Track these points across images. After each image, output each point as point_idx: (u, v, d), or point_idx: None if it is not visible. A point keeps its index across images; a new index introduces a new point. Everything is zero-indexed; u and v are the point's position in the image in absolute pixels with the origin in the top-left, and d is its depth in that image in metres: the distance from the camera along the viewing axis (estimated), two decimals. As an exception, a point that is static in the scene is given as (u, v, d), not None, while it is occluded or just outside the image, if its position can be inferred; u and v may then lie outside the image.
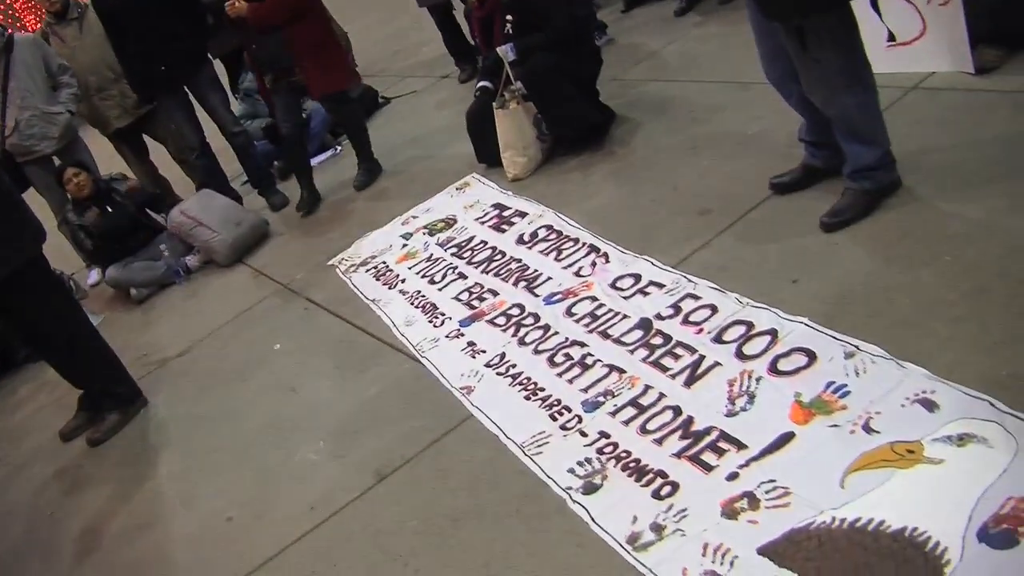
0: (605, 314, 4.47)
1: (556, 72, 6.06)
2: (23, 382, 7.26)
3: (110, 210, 7.67)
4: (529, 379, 4.28)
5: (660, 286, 4.47)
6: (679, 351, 3.95)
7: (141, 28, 7.64)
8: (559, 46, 6.16)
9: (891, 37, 5.00)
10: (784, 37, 4.10)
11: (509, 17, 6.31)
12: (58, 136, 7.98)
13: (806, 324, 3.70)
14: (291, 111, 7.50)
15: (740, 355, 3.74)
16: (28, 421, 6.63)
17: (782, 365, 3.57)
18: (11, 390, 7.34)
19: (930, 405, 3.06)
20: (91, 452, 5.75)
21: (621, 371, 4.02)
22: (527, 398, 4.16)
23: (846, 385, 3.31)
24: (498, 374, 4.44)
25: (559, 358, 4.31)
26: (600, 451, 3.63)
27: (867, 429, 3.09)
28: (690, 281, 4.37)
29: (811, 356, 3.54)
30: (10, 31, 8.02)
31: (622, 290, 4.59)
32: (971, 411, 2.97)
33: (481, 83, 6.57)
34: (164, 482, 5.07)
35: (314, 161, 8.22)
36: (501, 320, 4.87)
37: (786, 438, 3.23)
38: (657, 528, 3.15)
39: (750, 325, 3.88)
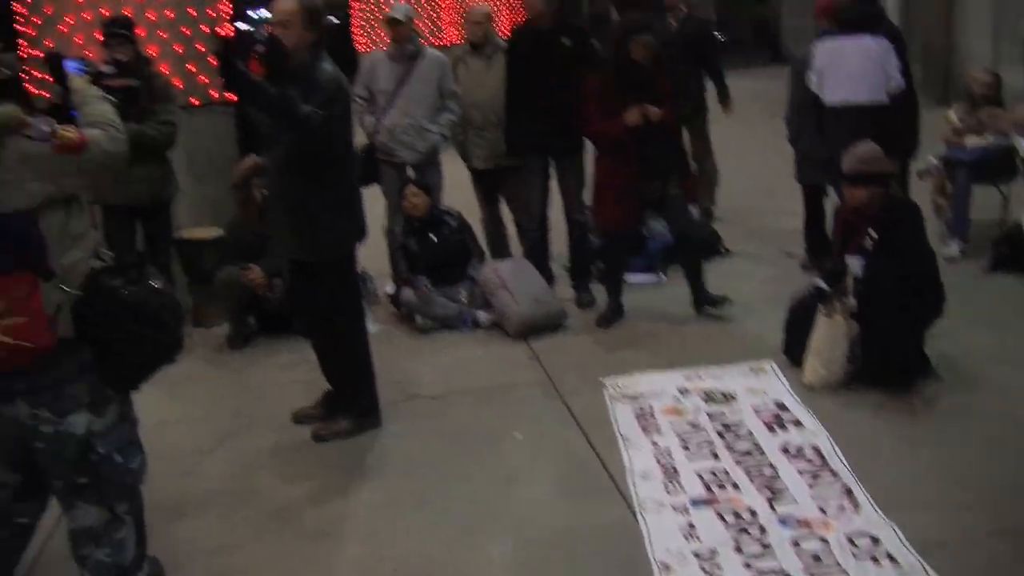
0: (829, 564, 4.28)
1: (894, 307, 5.91)
2: (289, 350, 7.54)
3: (435, 239, 7.96)
4: (727, 590, 4.16)
5: (894, 562, 4.24)
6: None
7: (540, 87, 7.94)
8: (907, 277, 6.01)
9: None
10: None
11: (873, 233, 6.19)
12: (422, 152, 8.35)
13: None
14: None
15: None
16: (276, 388, 6.94)
17: None
18: (276, 351, 7.70)
19: None
20: (310, 444, 5.99)
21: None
22: (715, 609, 4.04)
23: None
24: (702, 570, 4.32)
25: (765, 585, 4.17)
26: None
27: None
28: (927, 573, 4.13)
29: None
30: (433, 41, 8.48)
31: (856, 547, 4.38)
32: None
33: (817, 282, 6.45)
34: (356, 507, 5.24)
35: (634, 279, 8.27)
36: (730, 517, 4.74)
37: None
38: None
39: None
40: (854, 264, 6.15)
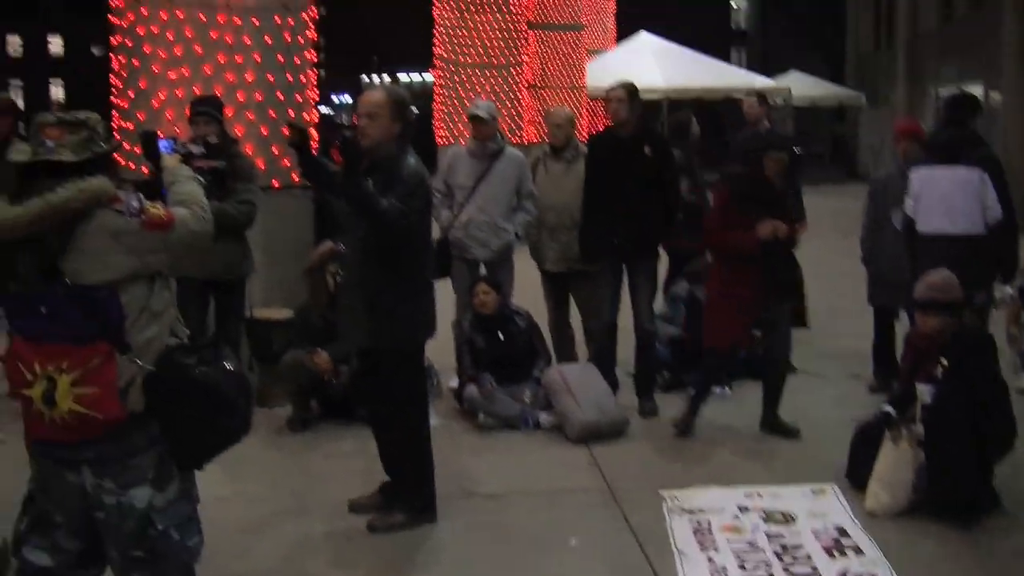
0: None
1: (963, 437, 5.84)
2: (352, 437, 7.52)
3: (502, 337, 7.97)
4: None
5: None
6: None
7: (619, 193, 7.98)
8: (977, 407, 5.95)
9: None
10: None
11: (944, 361, 6.12)
12: (496, 250, 8.39)
13: None
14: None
15: None
16: (334, 474, 6.91)
17: None
18: (338, 437, 7.69)
19: None
20: (364, 534, 5.94)
21: None
22: None
23: None
24: None
25: None
26: None
27: None
28: None
29: None
30: (512, 139, 8.54)
31: None
32: None
33: (886, 408, 6.38)
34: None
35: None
36: (783, 643, 4.66)
37: None
38: None
39: None
40: (923, 391, 6.08)
